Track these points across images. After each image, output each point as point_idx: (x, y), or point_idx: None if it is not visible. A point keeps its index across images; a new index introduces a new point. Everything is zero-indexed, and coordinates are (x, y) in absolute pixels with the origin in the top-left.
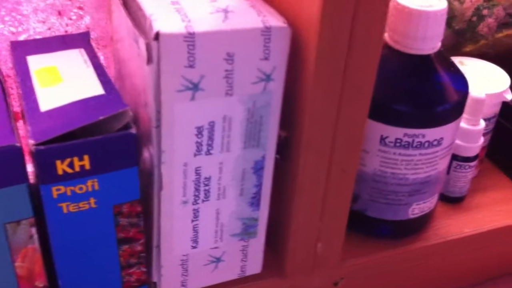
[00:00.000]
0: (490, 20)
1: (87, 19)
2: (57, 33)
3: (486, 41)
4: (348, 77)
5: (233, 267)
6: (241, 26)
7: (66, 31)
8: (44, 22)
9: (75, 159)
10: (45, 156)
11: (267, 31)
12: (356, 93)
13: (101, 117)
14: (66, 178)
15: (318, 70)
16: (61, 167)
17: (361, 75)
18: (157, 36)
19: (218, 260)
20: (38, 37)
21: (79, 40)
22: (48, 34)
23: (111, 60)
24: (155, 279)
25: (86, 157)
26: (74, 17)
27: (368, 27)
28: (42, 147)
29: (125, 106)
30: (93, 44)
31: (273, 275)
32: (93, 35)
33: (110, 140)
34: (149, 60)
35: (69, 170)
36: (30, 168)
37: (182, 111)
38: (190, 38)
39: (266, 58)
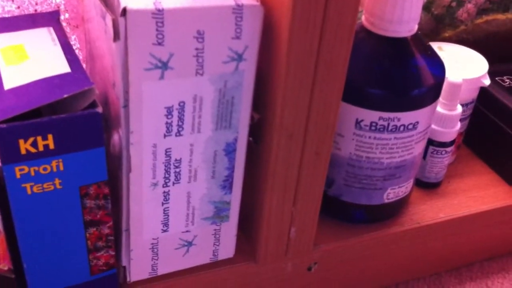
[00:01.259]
0: (469, 6)
1: None
2: (26, 12)
3: (465, 27)
4: (321, 57)
5: (205, 252)
6: (212, 3)
7: (35, 10)
8: (13, 0)
9: (39, 138)
10: (7, 135)
11: (239, 9)
12: (330, 74)
13: (65, 95)
14: (30, 158)
15: (291, 50)
16: (24, 146)
17: (335, 55)
18: (124, 12)
19: (189, 244)
20: (6, 15)
21: (48, 19)
22: (17, 13)
23: (82, 41)
24: (124, 263)
25: (50, 136)
26: None
27: (342, 7)
28: (3, 126)
29: (90, 84)
30: (65, 24)
31: (246, 260)
32: (64, 14)
33: (75, 118)
34: (116, 37)
35: (33, 150)
36: None
37: (150, 91)
38: (158, 14)
39: (237, 37)
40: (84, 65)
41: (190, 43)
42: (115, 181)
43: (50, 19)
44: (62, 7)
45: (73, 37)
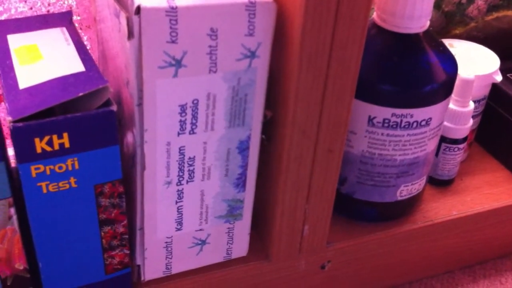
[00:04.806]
0: (479, 3)
1: None
2: (39, 13)
3: (475, 24)
4: (334, 54)
5: (219, 250)
6: (225, 0)
7: (48, 11)
8: (25, 1)
9: (54, 136)
10: (22, 134)
11: (251, 6)
12: (342, 70)
13: (80, 94)
14: (45, 157)
15: (303, 47)
16: (40, 145)
17: (347, 52)
18: (138, 10)
19: (203, 242)
20: (19, 16)
21: (61, 19)
22: (29, 13)
23: (95, 42)
24: (138, 262)
25: (65, 135)
26: None
27: (354, 4)
28: (19, 124)
29: (105, 82)
30: (77, 25)
31: (259, 258)
32: (76, 15)
33: (90, 117)
34: (130, 35)
35: (48, 148)
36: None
37: (164, 88)
38: (172, 12)
39: (250, 34)
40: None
41: (204, 41)
42: (129, 179)
43: (63, 19)
44: (74, 8)
45: (85, 38)
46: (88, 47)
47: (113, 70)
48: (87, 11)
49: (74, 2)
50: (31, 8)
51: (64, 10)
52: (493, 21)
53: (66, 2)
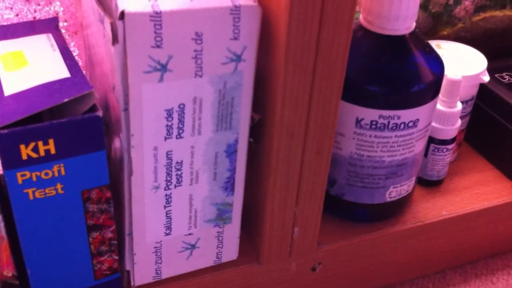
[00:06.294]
0: (466, 3)
1: (55, 5)
2: (25, 19)
3: (463, 24)
4: (320, 55)
5: (209, 254)
6: (210, 4)
7: (34, 17)
8: (11, 8)
9: (40, 143)
10: (8, 140)
11: (236, 10)
12: (329, 72)
13: (65, 99)
14: (31, 163)
15: (289, 49)
16: (26, 151)
17: (333, 53)
18: (122, 15)
19: (192, 247)
20: (5, 23)
21: (47, 26)
22: (16, 20)
23: (82, 48)
24: (128, 267)
25: (51, 141)
26: (42, 3)
27: (339, 5)
28: (4, 131)
29: (90, 87)
30: (63, 31)
31: (249, 261)
32: (63, 21)
33: (75, 123)
34: (115, 40)
35: (34, 155)
36: None
37: (150, 93)
38: (156, 17)
39: (236, 38)
40: (83, 70)
41: (189, 45)
42: (117, 185)
43: (49, 25)
44: (60, 14)
45: (72, 44)
46: (75, 53)
47: (100, 76)
48: (74, 17)
49: (61, 9)
50: (17, 15)
51: (50, 16)
52: (480, 21)
53: (52, 9)
